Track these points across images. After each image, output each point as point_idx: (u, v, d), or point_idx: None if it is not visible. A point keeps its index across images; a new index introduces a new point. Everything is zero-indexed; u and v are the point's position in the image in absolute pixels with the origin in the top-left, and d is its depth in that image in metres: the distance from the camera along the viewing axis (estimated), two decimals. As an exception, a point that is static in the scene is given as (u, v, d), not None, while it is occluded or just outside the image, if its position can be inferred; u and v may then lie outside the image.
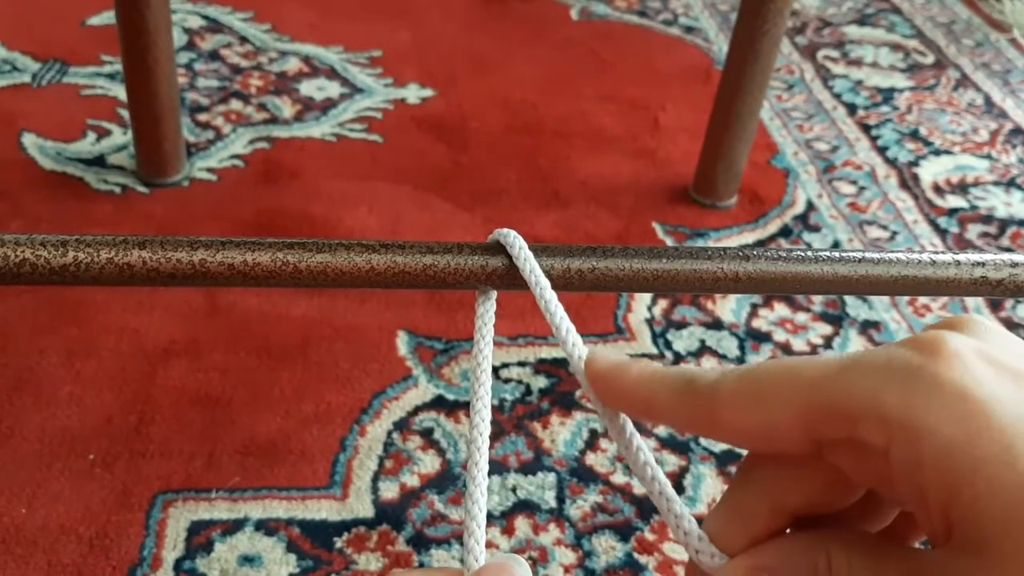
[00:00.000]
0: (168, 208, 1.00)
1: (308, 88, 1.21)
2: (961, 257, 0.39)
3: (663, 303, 0.95)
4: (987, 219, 1.12)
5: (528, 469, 0.77)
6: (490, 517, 0.73)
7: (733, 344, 0.91)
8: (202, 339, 0.85)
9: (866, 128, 1.26)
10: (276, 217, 1.00)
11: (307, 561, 0.69)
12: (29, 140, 1.08)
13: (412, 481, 0.75)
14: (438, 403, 0.82)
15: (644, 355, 0.88)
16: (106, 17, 1.30)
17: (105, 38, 1.25)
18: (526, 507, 0.74)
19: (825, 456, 0.23)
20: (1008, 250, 1.08)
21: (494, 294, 0.35)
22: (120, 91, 1.15)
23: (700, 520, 0.26)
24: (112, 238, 0.34)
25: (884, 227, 1.08)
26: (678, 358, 0.89)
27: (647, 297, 0.95)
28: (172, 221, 0.99)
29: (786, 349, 0.91)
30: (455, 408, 0.81)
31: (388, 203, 1.04)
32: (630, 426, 0.28)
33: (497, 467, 0.76)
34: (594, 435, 0.80)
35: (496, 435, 0.79)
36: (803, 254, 0.38)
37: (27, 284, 0.34)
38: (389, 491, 0.74)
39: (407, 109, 1.19)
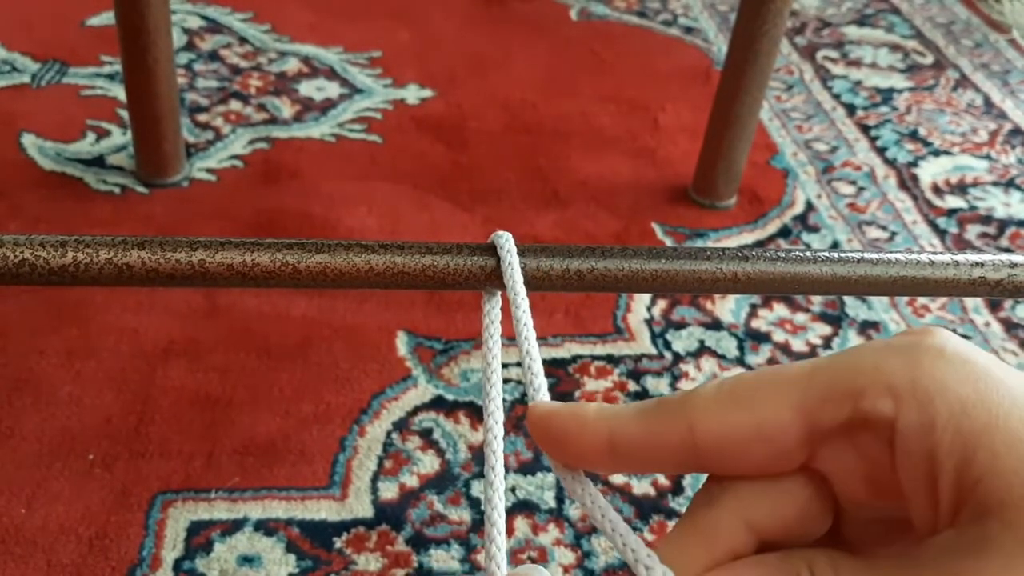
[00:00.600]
0: (168, 208, 1.00)
1: (308, 88, 1.21)
2: (960, 257, 0.39)
3: (662, 303, 0.95)
4: (986, 219, 1.12)
5: (527, 469, 0.77)
6: (489, 517, 0.73)
7: (732, 344, 0.91)
8: (202, 339, 0.85)
9: (865, 129, 1.26)
10: (275, 217, 1.00)
11: (306, 561, 0.69)
12: (28, 140, 1.08)
13: (411, 481, 0.75)
14: (438, 403, 0.82)
15: (643, 355, 0.88)
16: (106, 17, 1.30)
17: (105, 38, 1.25)
18: (525, 507, 0.74)
19: (817, 457, 0.22)
20: (1007, 250, 1.08)
21: (500, 294, 0.35)
22: (120, 91, 1.15)
23: None
24: (111, 239, 0.34)
25: (883, 227, 1.08)
26: (677, 358, 0.89)
27: (646, 297, 0.95)
28: (172, 221, 0.99)
29: (785, 349, 0.91)
30: (454, 408, 0.81)
31: (387, 203, 1.04)
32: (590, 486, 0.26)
33: (496, 467, 0.76)
34: (593, 435, 0.80)
35: (495, 435, 0.79)
36: (802, 255, 0.38)
37: (27, 284, 0.34)
38: (388, 491, 0.74)
39: (407, 109, 1.19)
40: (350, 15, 1.38)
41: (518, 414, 0.81)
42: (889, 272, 0.38)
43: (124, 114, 1.11)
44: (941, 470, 0.20)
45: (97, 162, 1.05)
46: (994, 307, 0.99)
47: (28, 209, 0.98)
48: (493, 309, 0.34)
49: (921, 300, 0.97)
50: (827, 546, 0.23)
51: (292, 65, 1.25)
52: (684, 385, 0.86)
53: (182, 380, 0.81)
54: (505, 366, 0.86)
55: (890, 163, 1.19)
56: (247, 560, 0.69)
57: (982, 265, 0.39)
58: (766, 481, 0.23)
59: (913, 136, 1.25)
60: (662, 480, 0.77)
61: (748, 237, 1.05)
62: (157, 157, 1.02)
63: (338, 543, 0.70)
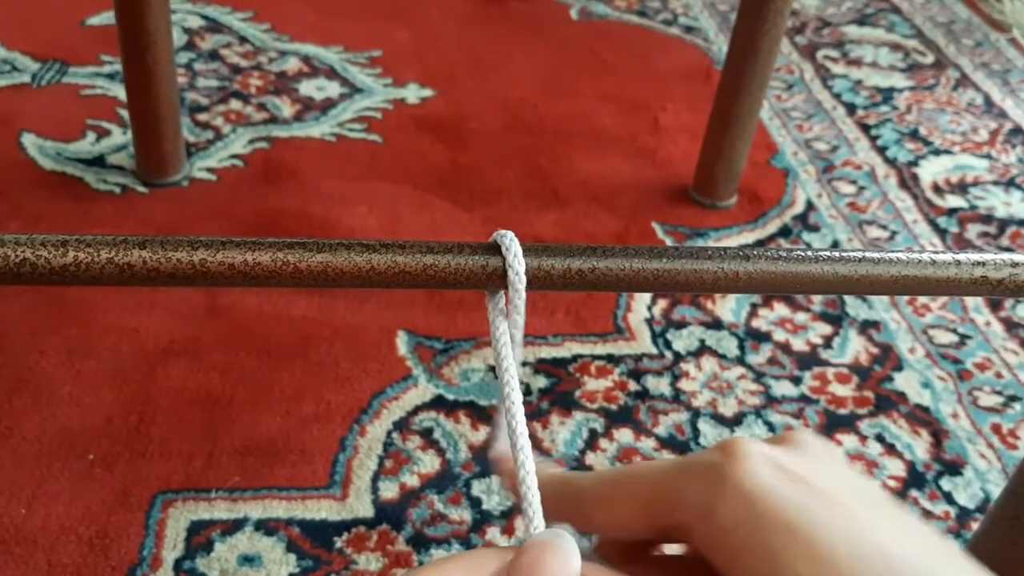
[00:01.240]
0: (168, 208, 1.00)
1: (308, 88, 1.21)
2: (961, 257, 0.39)
3: (663, 303, 0.95)
4: (987, 219, 1.12)
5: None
6: (490, 517, 0.73)
7: (733, 344, 0.91)
8: (202, 339, 0.85)
9: (866, 128, 1.26)
10: (276, 217, 1.00)
11: (307, 561, 0.69)
12: (29, 140, 1.08)
13: (412, 481, 0.75)
14: (438, 403, 0.82)
15: (644, 355, 0.88)
16: (106, 17, 1.30)
17: (105, 38, 1.25)
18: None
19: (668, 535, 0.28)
20: (1008, 250, 1.08)
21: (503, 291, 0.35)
22: (120, 91, 1.15)
23: None
24: (112, 238, 0.34)
25: (884, 227, 1.08)
26: (678, 358, 0.89)
27: (647, 297, 0.95)
28: (172, 221, 0.99)
29: (786, 348, 0.91)
30: (455, 408, 0.81)
31: (388, 203, 1.04)
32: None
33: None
34: (594, 435, 0.80)
35: (496, 435, 0.79)
36: (803, 254, 0.38)
37: (27, 284, 0.34)
38: (389, 491, 0.74)
39: (407, 109, 1.19)
40: (350, 14, 1.38)
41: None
42: (890, 271, 0.38)
43: (124, 114, 1.11)
44: (725, 567, 0.26)
45: (97, 162, 1.05)
46: (995, 307, 0.99)
47: (28, 209, 0.98)
48: (499, 304, 0.34)
49: (922, 299, 0.97)
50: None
51: (292, 64, 1.25)
52: (684, 384, 0.86)
53: (182, 380, 0.81)
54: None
55: (890, 162, 1.19)
56: (247, 560, 0.69)
57: (984, 264, 0.39)
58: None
59: (913, 135, 1.25)
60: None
61: (748, 236, 1.05)
62: (157, 157, 1.02)
63: (339, 543, 0.70)
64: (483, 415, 0.81)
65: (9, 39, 1.24)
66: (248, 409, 0.79)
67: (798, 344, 0.92)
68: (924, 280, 0.38)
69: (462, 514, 0.73)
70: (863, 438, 0.83)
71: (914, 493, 0.79)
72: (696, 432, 0.82)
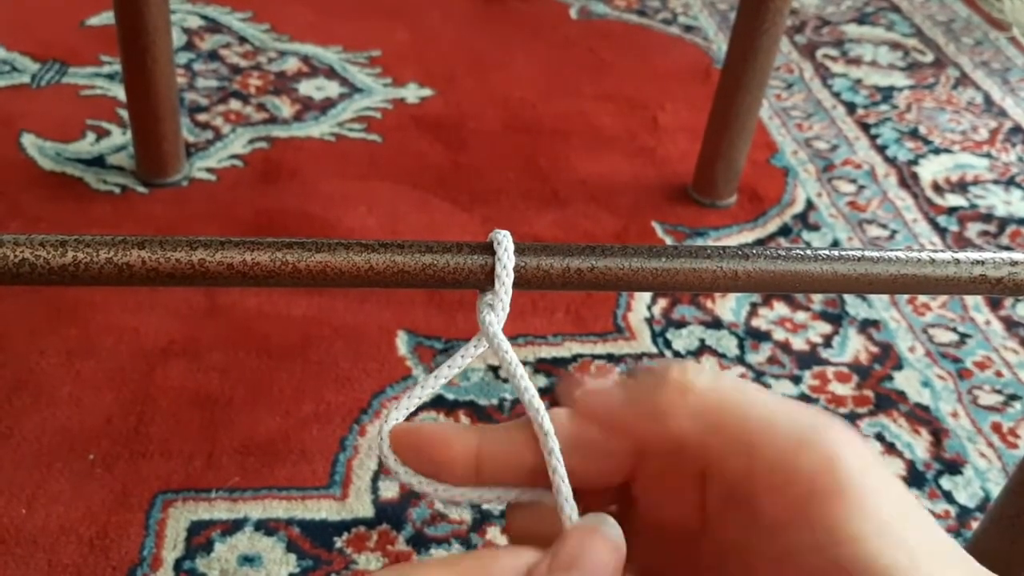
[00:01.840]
0: (167, 208, 1.00)
1: (307, 88, 1.21)
2: (960, 255, 0.39)
3: (663, 302, 0.95)
4: (987, 217, 1.12)
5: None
6: (490, 517, 0.73)
7: (733, 343, 0.91)
8: (201, 339, 0.85)
9: (865, 127, 1.26)
10: (275, 217, 1.00)
11: (307, 561, 0.69)
12: (28, 140, 1.07)
13: (412, 481, 0.75)
14: (438, 403, 0.82)
15: (644, 354, 0.88)
16: (105, 17, 1.30)
17: (104, 38, 1.25)
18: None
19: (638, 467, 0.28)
20: (1007, 248, 1.08)
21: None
22: (119, 91, 1.15)
23: None
24: (111, 238, 0.34)
25: (883, 226, 1.08)
26: (678, 357, 0.89)
27: (647, 296, 0.95)
28: (171, 221, 0.99)
29: (786, 347, 0.91)
30: (455, 408, 0.81)
31: (387, 203, 1.04)
32: None
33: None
34: (594, 434, 0.80)
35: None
36: (802, 253, 0.38)
37: (27, 284, 0.34)
38: (389, 491, 0.74)
39: (406, 109, 1.19)
40: (349, 14, 1.38)
41: (519, 413, 0.81)
42: (890, 270, 0.38)
43: (124, 114, 1.11)
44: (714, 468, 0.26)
45: (97, 162, 1.05)
46: (995, 305, 0.99)
47: (28, 209, 0.98)
48: (487, 304, 0.34)
49: (922, 298, 0.97)
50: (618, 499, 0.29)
51: (292, 64, 1.25)
52: (684, 384, 0.86)
53: (182, 380, 0.81)
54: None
55: (890, 161, 1.19)
56: (248, 560, 0.69)
57: (983, 263, 0.39)
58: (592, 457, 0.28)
59: (913, 134, 1.25)
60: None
61: (748, 236, 1.05)
62: (157, 157, 1.02)
63: (339, 543, 0.70)
64: (483, 415, 0.81)
65: (9, 39, 1.24)
66: (248, 409, 0.79)
67: (798, 343, 0.92)
68: (923, 279, 0.38)
69: (462, 514, 0.73)
70: (863, 437, 0.83)
71: (914, 492, 0.79)
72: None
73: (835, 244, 1.05)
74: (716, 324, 0.93)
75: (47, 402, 0.78)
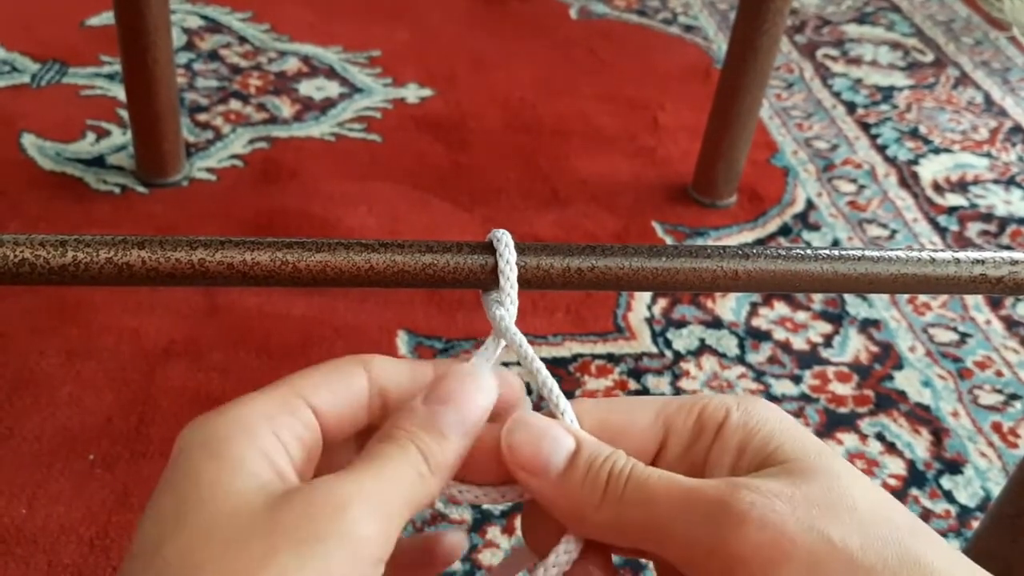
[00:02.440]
0: (167, 208, 1.00)
1: (307, 88, 1.21)
2: (961, 255, 0.39)
3: (663, 302, 0.95)
4: (987, 217, 1.12)
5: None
6: (490, 516, 0.73)
7: (733, 343, 0.91)
8: (202, 339, 0.85)
9: (865, 126, 1.26)
10: (275, 217, 1.00)
11: (307, 561, 0.69)
12: (28, 140, 1.08)
13: (412, 480, 0.75)
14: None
15: (644, 354, 0.88)
16: (105, 17, 1.30)
17: (104, 38, 1.25)
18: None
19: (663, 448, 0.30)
20: (1008, 248, 1.08)
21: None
22: (119, 91, 1.15)
23: None
24: (111, 238, 0.34)
25: (884, 225, 1.08)
26: (678, 357, 0.88)
27: (647, 296, 0.95)
28: (171, 221, 0.99)
29: (786, 347, 0.91)
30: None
31: (387, 203, 1.04)
32: None
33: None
34: (594, 434, 0.80)
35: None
36: (803, 252, 0.38)
37: (27, 284, 0.34)
38: (389, 491, 0.74)
39: (406, 109, 1.19)
40: (349, 14, 1.38)
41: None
42: (890, 270, 0.38)
43: (124, 114, 1.11)
44: (749, 447, 0.28)
45: (97, 162, 1.05)
46: (995, 305, 0.99)
47: (28, 209, 0.98)
48: (494, 301, 0.34)
49: (922, 298, 0.97)
50: None
51: (292, 64, 1.25)
52: (685, 384, 0.86)
53: (182, 380, 0.81)
54: (506, 365, 0.86)
55: (890, 161, 1.19)
56: (248, 560, 0.69)
57: (983, 262, 0.39)
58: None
59: (913, 134, 1.25)
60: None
61: (748, 235, 1.05)
62: (157, 157, 1.02)
63: (339, 542, 0.70)
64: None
65: (9, 39, 1.24)
66: (248, 409, 0.79)
67: (798, 343, 0.92)
68: (924, 278, 0.38)
69: (462, 513, 0.73)
70: (863, 437, 0.83)
71: (914, 492, 0.79)
72: (696, 431, 0.81)
73: (835, 244, 1.05)
74: (716, 324, 0.93)
75: (47, 402, 0.78)
